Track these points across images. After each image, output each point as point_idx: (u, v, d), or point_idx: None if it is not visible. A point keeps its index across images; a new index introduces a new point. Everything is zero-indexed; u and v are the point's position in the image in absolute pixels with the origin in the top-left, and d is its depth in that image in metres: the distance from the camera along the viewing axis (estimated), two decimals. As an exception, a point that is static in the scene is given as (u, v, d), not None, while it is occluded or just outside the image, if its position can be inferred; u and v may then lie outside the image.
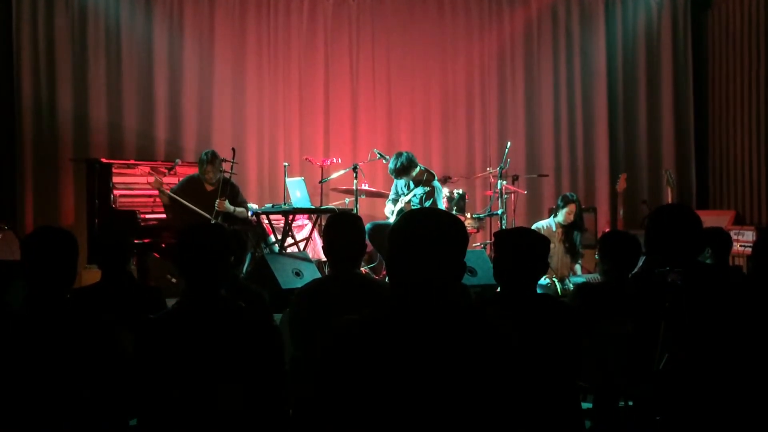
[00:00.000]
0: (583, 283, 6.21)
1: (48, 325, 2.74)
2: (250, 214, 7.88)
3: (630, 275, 4.38)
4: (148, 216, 8.33)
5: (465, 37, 10.57)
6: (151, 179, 7.89)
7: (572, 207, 7.17)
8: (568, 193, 7.79)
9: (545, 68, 10.66)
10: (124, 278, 4.30)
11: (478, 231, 8.85)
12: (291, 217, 7.94)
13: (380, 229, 7.62)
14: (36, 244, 2.84)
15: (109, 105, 9.48)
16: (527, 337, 2.19)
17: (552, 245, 7.04)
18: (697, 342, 3.23)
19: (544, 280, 6.86)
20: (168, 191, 7.69)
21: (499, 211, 8.43)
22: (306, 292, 3.71)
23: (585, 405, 4.35)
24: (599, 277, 5.77)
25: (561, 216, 7.16)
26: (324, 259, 6.93)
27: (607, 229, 9.00)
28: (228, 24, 9.97)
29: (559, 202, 7.31)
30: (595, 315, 4.12)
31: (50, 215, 9.07)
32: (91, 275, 7.26)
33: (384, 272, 7.87)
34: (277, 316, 4.48)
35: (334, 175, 8.60)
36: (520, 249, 3.34)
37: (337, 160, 9.14)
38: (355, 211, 7.78)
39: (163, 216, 8.11)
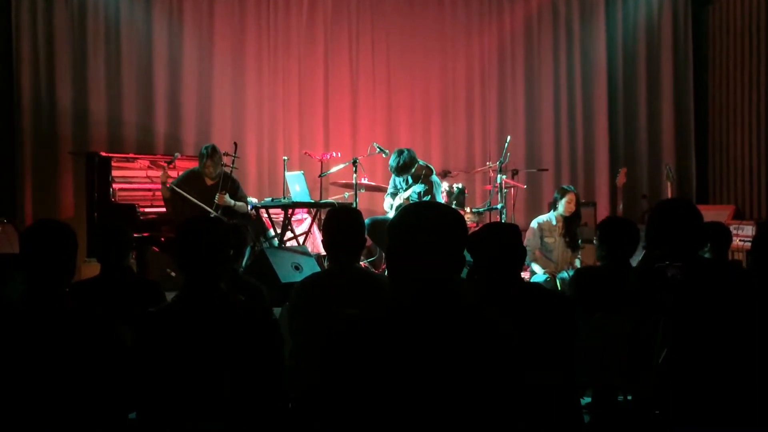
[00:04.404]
0: (582, 268, 6.19)
1: (47, 318, 2.73)
2: (249, 208, 7.87)
3: (630, 264, 4.38)
4: (147, 210, 8.34)
5: (465, 31, 10.57)
6: (159, 173, 7.89)
7: (571, 196, 7.14)
8: (564, 185, 7.78)
9: (545, 62, 10.66)
10: (123, 272, 4.30)
11: (477, 225, 8.84)
12: (290, 211, 7.94)
13: (379, 224, 7.62)
14: (35, 238, 2.84)
15: (109, 99, 9.48)
16: (522, 328, 2.19)
17: (552, 239, 7.10)
18: (697, 336, 3.23)
19: (543, 275, 6.85)
20: (169, 185, 7.69)
21: (499, 206, 8.43)
22: (305, 285, 3.71)
23: (584, 400, 4.35)
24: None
25: (561, 207, 7.13)
26: (323, 253, 6.92)
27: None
28: (227, 18, 9.97)
29: (556, 195, 7.28)
30: (593, 300, 4.13)
31: (49, 209, 9.07)
32: (90, 269, 7.25)
33: (383, 266, 7.87)
34: (277, 310, 4.48)
35: (334, 169, 8.60)
36: (500, 247, 3.37)
37: (337, 154, 9.13)
38: (354, 205, 7.78)
39: (163, 210, 8.11)
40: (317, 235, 8.26)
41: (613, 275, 4.25)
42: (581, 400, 4.18)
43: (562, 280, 6.75)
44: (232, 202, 7.59)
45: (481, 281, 3.38)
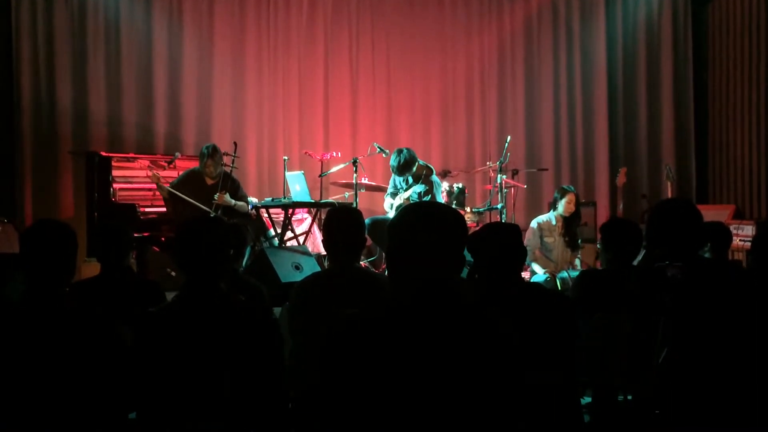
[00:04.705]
0: (588, 270, 6.21)
1: (47, 318, 2.73)
2: (249, 207, 7.87)
3: (632, 266, 4.38)
4: (147, 209, 8.34)
5: (465, 31, 10.57)
6: (150, 173, 7.88)
7: (571, 196, 7.14)
8: (564, 185, 7.78)
9: (545, 62, 10.66)
10: (123, 272, 4.30)
11: (477, 225, 8.84)
12: (290, 210, 7.94)
13: (379, 223, 7.62)
14: (35, 238, 2.84)
15: (109, 98, 9.47)
16: (522, 328, 2.19)
17: (552, 239, 7.10)
18: (697, 336, 3.22)
19: (543, 275, 6.85)
20: (167, 185, 7.68)
21: (499, 206, 8.43)
22: (305, 285, 3.71)
23: (584, 400, 4.35)
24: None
25: (561, 207, 7.13)
26: (324, 252, 6.92)
27: (606, 223, 8.96)
28: (227, 17, 9.97)
29: (556, 195, 7.28)
30: (597, 302, 4.13)
31: (50, 208, 9.06)
32: (90, 269, 7.25)
33: (383, 266, 7.87)
34: (277, 310, 4.48)
35: (334, 169, 8.59)
36: (500, 247, 3.37)
37: (337, 154, 9.13)
38: (354, 204, 7.78)
39: (163, 209, 8.11)
40: (317, 234, 8.26)
41: (616, 278, 4.24)
42: (581, 400, 4.19)
43: (562, 279, 6.75)
44: (233, 201, 7.60)
45: (481, 281, 3.37)
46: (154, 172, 7.78)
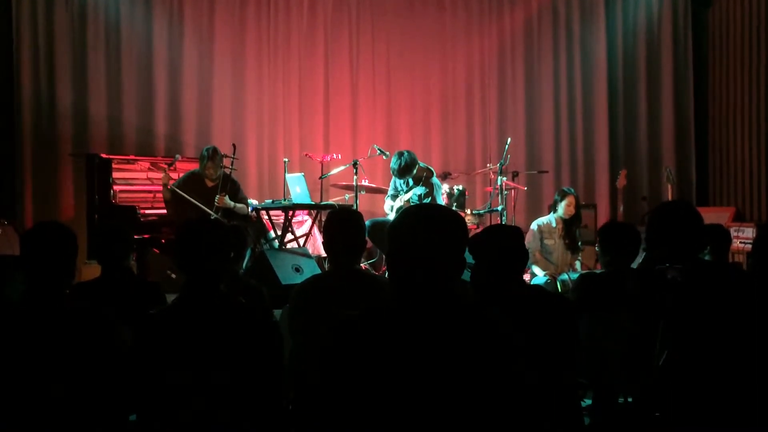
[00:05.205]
0: (587, 273, 6.21)
1: (47, 319, 2.73)
2: (249, 209, 7.87)
3: (631, 268, 4.39)
4: (147, 211, 8.34)
5: (465, 32, 10.57)
6: (160, 174, 7.89)
7: (571, 199, 7.14)
8: (564, 187, 7.78)
9: (545, 64, 10.66)
10: (123, 272, 4.30)
11: (478, 227, 8.83)
12: (291, 212, 7.94)
13: (379, 226, 7.62)
14: (35, 240, 2.84)
15: (109, 100, 9.47)
16: (523, 329, 2.19)
17: (552, 241, 7.10)
18: (697, 338, 3.22)
19: (543, 277, 6.85)
20: (170, 186, 7.68)
21: (499, 208, 8.43)
22: (306, 287, 3.71)
23: (584, 402, 4.35)
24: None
25: (561, 210, 7.14)
26: (324, 254, 6.92)
27: (606, 225, 8.96)
28: (228, 19, 9.97)
29: (556, 197, 7.29)
30: (596, 304, 4.13)
31: (50, 210, 9.06)
32: (91, 271, 7.25)
33: (384, 268, 7.87)
34: (277, 313, 4.47)
35: (334, 171, 8.59)
36: (500, 249, 3.36)
37: (337, 156, 9.13)
38: (355, 206, 7.78)
39: (163, 211, 8.10)
40: (318, 236, 8.25)
41: (616, 280, 4.24)
42: (582, 402, 4.18)
43: (563, 282, 6.75)
44: (232, 203, 7.59)
45: (482, 283, 3.37)
46: (166, 172, 7.79)
